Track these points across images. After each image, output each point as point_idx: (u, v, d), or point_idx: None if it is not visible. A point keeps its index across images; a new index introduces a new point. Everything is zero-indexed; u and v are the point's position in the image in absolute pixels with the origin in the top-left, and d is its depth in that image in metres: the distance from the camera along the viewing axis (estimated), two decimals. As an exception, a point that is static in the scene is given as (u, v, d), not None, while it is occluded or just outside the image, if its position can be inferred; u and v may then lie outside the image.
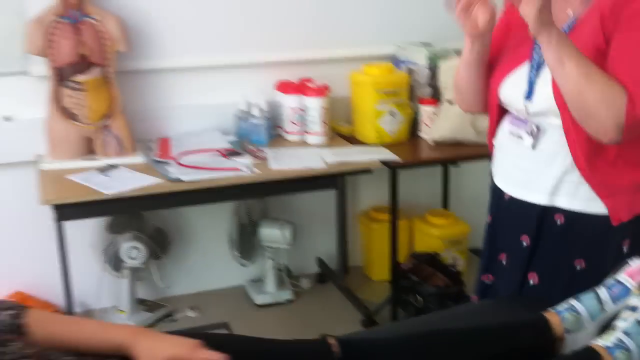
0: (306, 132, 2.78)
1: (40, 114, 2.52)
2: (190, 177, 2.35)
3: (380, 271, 3.01)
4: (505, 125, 1.71)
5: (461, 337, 1.36)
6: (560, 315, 1.37)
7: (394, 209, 2.63)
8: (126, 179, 2.37)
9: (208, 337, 1.21)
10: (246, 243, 2.89)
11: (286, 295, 2.94)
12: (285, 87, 2.79)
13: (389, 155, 2.59)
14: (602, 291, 1.41)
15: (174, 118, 2.77)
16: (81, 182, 2.34)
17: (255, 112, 2.72)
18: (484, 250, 1.83)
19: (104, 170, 2.43)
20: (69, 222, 2.32)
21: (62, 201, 2.26)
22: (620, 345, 1.29)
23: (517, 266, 1.68)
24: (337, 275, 3.03)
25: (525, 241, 1.68)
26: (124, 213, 2.65)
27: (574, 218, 1.60)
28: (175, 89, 2.78)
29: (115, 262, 2.68)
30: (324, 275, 3.14)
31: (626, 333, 1.31)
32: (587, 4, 1.56)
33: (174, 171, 2.39)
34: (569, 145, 1.55)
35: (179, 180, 2.34)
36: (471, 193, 3.22)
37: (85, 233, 2.70)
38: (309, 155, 2.61)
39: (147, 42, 2.68)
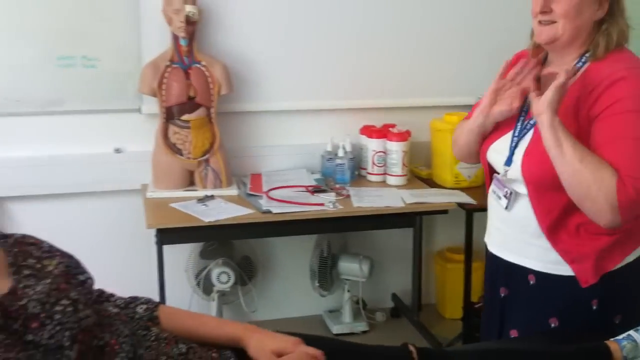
0: (387, 173, 2.94)
1: (148, 147, 2.78)
2: (279, 210, 2.55)
3: (453, 309, 3.12)
4: (492, 185, 1.81)
5: (532, 357, 1.49)
6: (619, 343, 1.49)
7: (468, 250, 2.75)
8: (222, 209, 2.60)
9: (305, 337, 1.39)
10: (326, 275, 3.06)
11: (361, 326, 3.09)
12: (369, 131, 2.98)
13: (465, 198, 2.73)
14: None
15: (266, 156, 3.00)
16: (182, 209, 2.57)
17: (341, 153, 2.92)
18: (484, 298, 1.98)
19: (202, 200, 2.66)
20: (167, 247, 2.54)
21: (165, 226, 2.50)
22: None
23: (495, 315, 1.80)
24: (411, 310, 3.16)
25: (503, 292, 1.79)
26: (219, 239, 2.88)
27: (545, 279, 1.69)
28: (268, 130, 3.00)
29: (205, 286, 2.91)
30: (398, 310, 3.28)
31: None
32: (575, 75, 1.65)
33: (264, 204, 2.61)
34: (533, 207, 1.65)
35: (269, 212, 2.54)
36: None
37: (180, 258, 2.93)
38: (389, 194, 2.79)
39: (246, 87, 2.92)
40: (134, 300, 1.39)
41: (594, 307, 1.66)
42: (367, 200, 2.70)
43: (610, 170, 1.51)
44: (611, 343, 1.50)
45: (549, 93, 1.53)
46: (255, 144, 3.00)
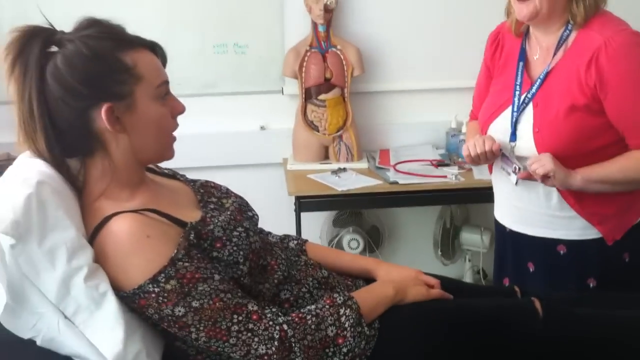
0: (508, 149, 3.09)
1: (288, 124, 3.08)
2: (405, 181, 2.79)
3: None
4: (498, 161, 1.86)
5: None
6: None
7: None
8: (353, 180, 2.85)
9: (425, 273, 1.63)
10: (448, 245, 3.25)
11: (482, 295, 3.27)
12: (492, 109, 3.14)
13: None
14: None
15: (394, 132, 3.21)
16: (318, 180, 2.86)
17: (464, 129, 3.08)
18: (493, 274, 2.04)
19: (336, 172, 2.93)
20: (304, 215, 2.81)
21: (304, 193, 2.80)
22: None
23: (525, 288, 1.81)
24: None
25: (531, 267, 1.87)
26: (350, 208, 3.14)
27: (575, 245, 1.76)
28: (396, 108, 3.21)
29: (337, 251, 3.20)
30: (518, 281, 3.41)
31: None
32: (561, 52, 1.69)
33: (392, 175, 2.84)
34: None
35: (396, 183, 2.78)
36: None
37: (315, 226, 3.20)
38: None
39: (377, 68, 3.13)
40: (287, 237, 1.70)
41: (627, 260, 1.77)
42: (488, 173, 2.86)
43: None
44: None
45: (558, 177, 1.65)
46: (384, 121, 3.22)
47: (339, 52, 2.99)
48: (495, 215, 1.97)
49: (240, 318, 1.29)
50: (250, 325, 1.29)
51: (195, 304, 1.26)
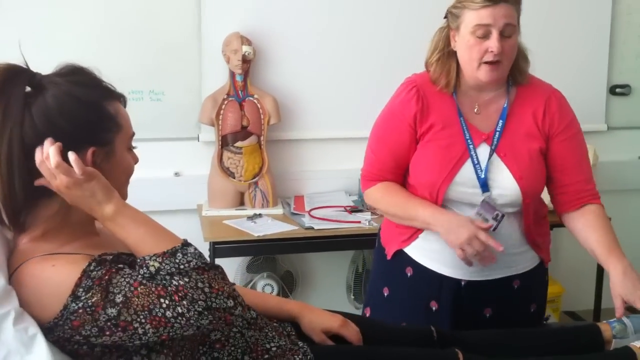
0: (417, 196, 3.23)
1: (204, 171, 3.10)
2: (320, 226, 2.86)
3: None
4: (478, 210, 1.82)
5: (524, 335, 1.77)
6: (610, 325, 1.74)
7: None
8: (269, 225, 2.90)
9: (346, 315, 1.68)
10: (360, 289, 3.33)
11: (393, 337, 3.35)
12: (401, 158, 3.28)
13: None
14: None
15: (309, 180, 3.30)
16: (234, 225, 2.89)
17: (375, 177, 3.22)
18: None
19: (251, 218, 2.97)
20: (218, 261, 2.79)
21: (220, 239, 2.82)
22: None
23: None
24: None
25: (488, 312, 1.93)
26: (266, 254, 3.17)
27: (526, 277, 1.92)
28: (311, 156, 3.30)
29: (252, 297, 3.21)
30: (427, 324, 3.52)
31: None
32: (508, 96, 1.86)
33: (307, 221, 2.91)
34: (524, 221, 1.87)
35: (311, 228, 2.85)
36: (568, 259, 3.57)
37: (229, 272, 3.18)
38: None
39: (292, 117, 3.23)
40: None
41: (546, 278, 2.00)
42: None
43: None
44: (602, 324, 1.75)
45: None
46: (299, 168, 3.30)
47: (255, 101, 3.06)
48: (445, 273, 1.90)
49: (167, 302, 1.23)
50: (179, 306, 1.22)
51: (119, 298, 1.22)
